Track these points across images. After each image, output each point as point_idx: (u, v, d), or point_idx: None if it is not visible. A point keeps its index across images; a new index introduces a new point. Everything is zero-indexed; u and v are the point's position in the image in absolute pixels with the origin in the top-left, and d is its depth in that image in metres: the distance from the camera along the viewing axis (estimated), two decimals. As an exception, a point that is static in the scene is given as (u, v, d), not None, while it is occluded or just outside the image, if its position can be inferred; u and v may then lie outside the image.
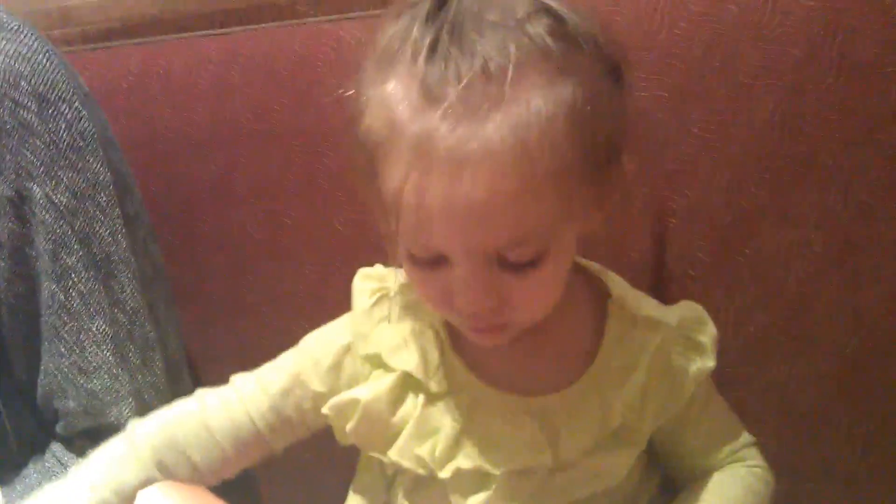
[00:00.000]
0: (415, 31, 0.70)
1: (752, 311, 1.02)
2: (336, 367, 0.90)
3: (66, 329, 1.00)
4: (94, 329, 1.01)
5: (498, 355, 0.85)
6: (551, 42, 0.69)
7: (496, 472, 0.83)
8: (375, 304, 0.90)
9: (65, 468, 0.99)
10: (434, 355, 0.86)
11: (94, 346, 1.01)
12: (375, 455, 0.87)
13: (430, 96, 0.68)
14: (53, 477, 0.98)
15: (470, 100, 0.66)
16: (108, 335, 1.02)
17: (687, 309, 0.89)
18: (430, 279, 0.77)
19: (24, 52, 1.00)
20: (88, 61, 1.26)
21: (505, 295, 0.74)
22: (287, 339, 1.04)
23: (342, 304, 1.00)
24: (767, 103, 0.97)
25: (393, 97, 0.71)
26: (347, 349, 0.90)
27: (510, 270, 0.73)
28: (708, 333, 0.87)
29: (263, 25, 1.19)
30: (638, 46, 1.00)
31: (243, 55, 1.19)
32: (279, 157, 1.18)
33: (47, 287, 1.00)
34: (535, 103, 0.67)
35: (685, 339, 0.86)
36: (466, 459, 0.83)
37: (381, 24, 0.75)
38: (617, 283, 0.89)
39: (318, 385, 0.90)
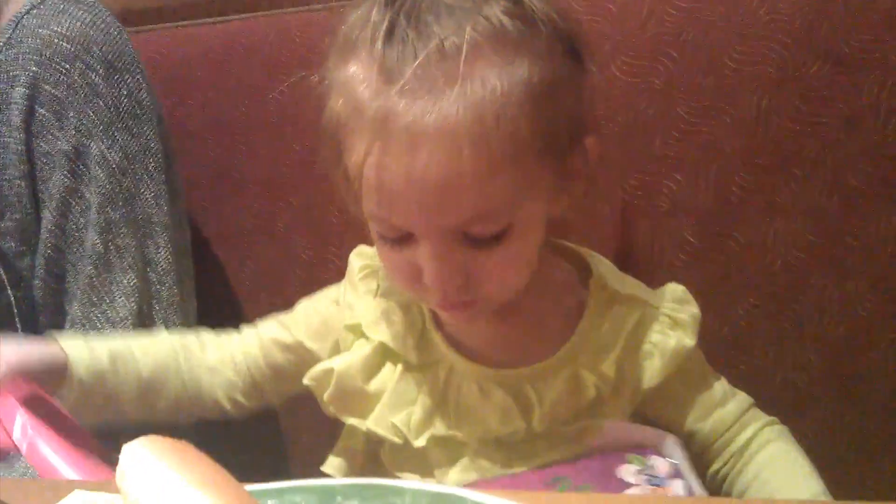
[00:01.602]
0: (373, 16, 0.72)
1: (739, 297, 1.03)
2: (323, 327, 0.94)
3: (99, 279, 1.05)
4: (125, 282, 1.06)
5: (476, 330, 0.87)
6: (508, 22, 0.71)
7: (469, 439, 0.84)
8: (363, 278, 0.93)
9: None
10: (415, 328, 0.89)
11: (124, 298, 1.06)
12: (354, 422, 0.89)
13: (388, 76, 0.70)
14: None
15: (426, 77, 0.68)
16: (138, 289, 1.07)
17: (670, 290, 0.90)
18: (398, 258, 0.78)
19: (98, 22, 1.07)
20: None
21: (471, 271, 0.76)
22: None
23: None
24: (753, 94, 0.99)
25: (354, 79, 0.73)
26: (335, 314, 0.94)
27: (475, 246, 0.75)
28: (688, 312, 0.88)
29: (261, 14, 1.20)
30: (627, 37, 1.02)
31: (241, 44, 1.20)
32: (276, 144, 1.19)
33: (90, 238, 1.05)
34: (491, 81, 0.69)
35: (666, 317, 0.87)
36: (441, 428, 0.85)
37: (345, 11, 0.77)
38: (601, 264, 0.91)
39: (307, 341, 0.94)
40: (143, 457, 0.45)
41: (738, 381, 1.02)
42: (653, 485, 0.79)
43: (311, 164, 1.18)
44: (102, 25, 1.07)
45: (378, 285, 0.91)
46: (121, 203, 1.06)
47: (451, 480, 0.85)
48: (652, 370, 0.86)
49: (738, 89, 0.99)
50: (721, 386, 0.91)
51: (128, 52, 1.09)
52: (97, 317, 1.05)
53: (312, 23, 1.16)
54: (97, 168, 1.04)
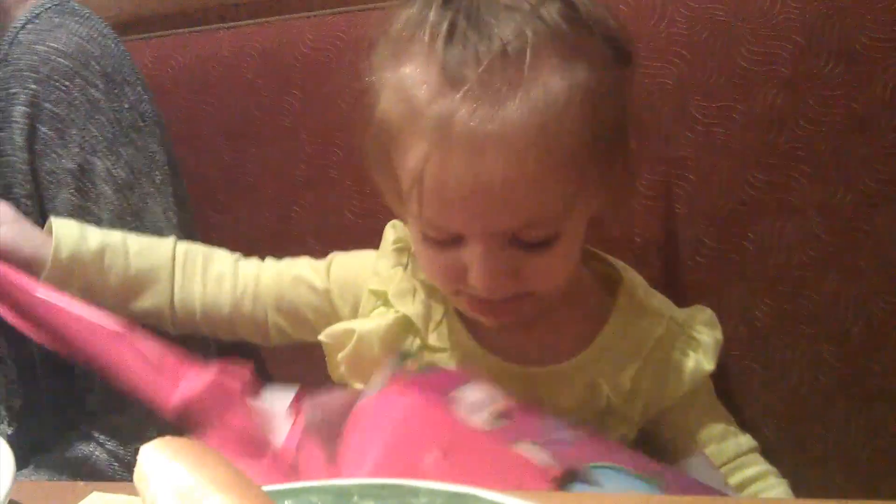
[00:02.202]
0: (431, 16, 0.71)
1: (755, 297, 1.03)
2: (351, 285, 0.94)
3: None
4: None
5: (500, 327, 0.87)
6: (565, 26, 0.71)
7: None
8: (395, 251, 0.93)
9: (99, 445, 1.01)
10: (438, 311, 0.89)
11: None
12: (360, 387, 0.88)
13: (450, 78, 0.69)
14: (86, 452, 1.01)
15: (489, 82, 0.67)
16: None
17: (697, 310, 0.90)
18: (441, 258, 0.78)
19: (95, 35, 1.06)
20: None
21: (517, 273, 0.76)
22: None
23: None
24: (767, 92, 0.98)
25: (411, 80, 0.72)
26: (364, 276, 0.94)
27: (524, 249, 0.74)
28: (712, 336, 0.88)
29: (273, 18, 1.21)
30: (641, 36, 1.01)
31: (253, 48, 1.20)
32: (289, 148, 1.20)
33: None
34: (553, 86, 0.69)
35: (689, 337, 0.87)
36: None
37: (392, 11, 0.76)
38: (632, 276, 0.90)
39: (331, 286, 0.95)
40: (160, 459, 0.45)
41: (754, 381, 1.03)
42: None
43: (323, 168, 1.18)
44: (99, 38, 1.06)
45: (408, 261, 0.91)
46: (130, 219, 1.05)
47: None
48: (668, 389, 0.86)
49: (751, 89, 0.99)
50: (723, 424, 0.89)
51: (126, 63, 1.08)
52: None
53: (324, 27, 1.17)
54: (104, 185, 1.03)
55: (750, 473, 0.87)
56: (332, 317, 0.92)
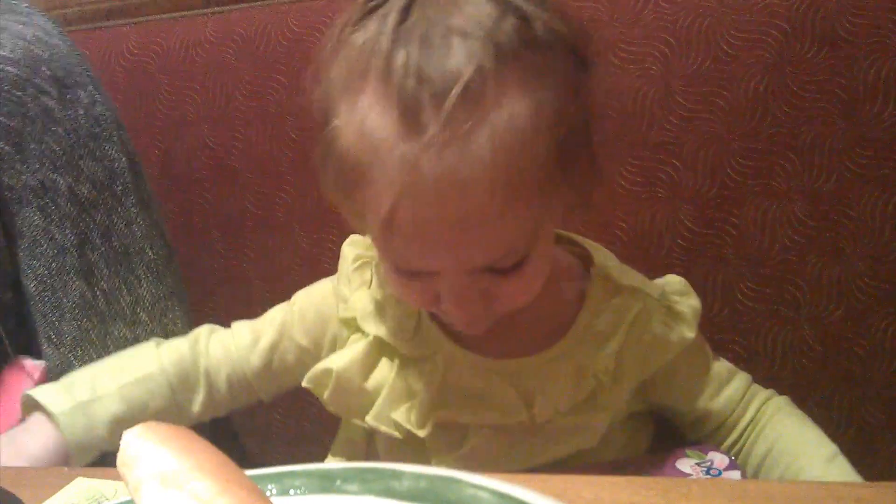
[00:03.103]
0: (384, 45, 0.68)
1: (737, 280, 1.04)
2: (319, 322, 0.93)
3: (95, 332, 1.00)
4: (116, 333, 1.01)
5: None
6: (522, 47, 0.68)
7: (471, 429, 0.84)
8: (357, 269, 0.91)
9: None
10: (410, 320, 0.87)
11: (115, 350, 0.98)
12: (356, 421, 0.88)
13: (410, 122, 0.66)
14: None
15: (453, 124, 0.65)
16: (129, 339, 1.02)
17: (671, 281, 0.90)
18: (414, 286, 0.77)
19: (41, 35, 0.99)
20: (86, 41, 1.27)
21: (491, 295, 0.75)
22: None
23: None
24: (751, 78, 0.99)
25: (370, 117, 0.69)
26: (330, 307, 0.93)
27: (496, 274, 0.74)
28: (688, 305, 0.88)
29: (258, 4, 1.21)
30: (625, 23, 1.02)
31: (238, 34, 1.20)
32: (274, 134, 1.20)
33: (77, 286, 0.99)
34: (517, 115, 0.67)
35: (666, 308, 0.87)
36: (443, 418, 0.84)
37: (342, 33, 0.73)
38: (603, 255, 0.91)
39: (302, 338, 0.93)
40: (144, 444, 0.45)
41: (737, 364, 1.02)
42: (710, 475, 0.79)
43: (308, 153, 1.18)
44: (46, 38, 1.00)
45: (372, 276, 0.90)
46: (98, 241, 1.00)
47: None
48: (651, 361, 0.86)
49: (735, 74, 1.00)
50: (724, 365, 0.91)
51: (75, 62, 1.02)
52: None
53: (308, 13, 1.17)
54: (68, 205, 0.98)
55: (759, 400, 0.90)
56: (310, 361, 0.92)
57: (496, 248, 0.71)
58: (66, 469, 0.73)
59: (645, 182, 1.04)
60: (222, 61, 1.21)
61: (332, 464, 0.51)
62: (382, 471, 0.48)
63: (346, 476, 0.48)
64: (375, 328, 0.87)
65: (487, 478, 0.46)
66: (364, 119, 0.69)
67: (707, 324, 0.94)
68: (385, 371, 0.87)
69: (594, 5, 1.03)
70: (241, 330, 0.97)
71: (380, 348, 0.88)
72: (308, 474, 0.50)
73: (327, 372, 0.88)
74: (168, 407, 0.92)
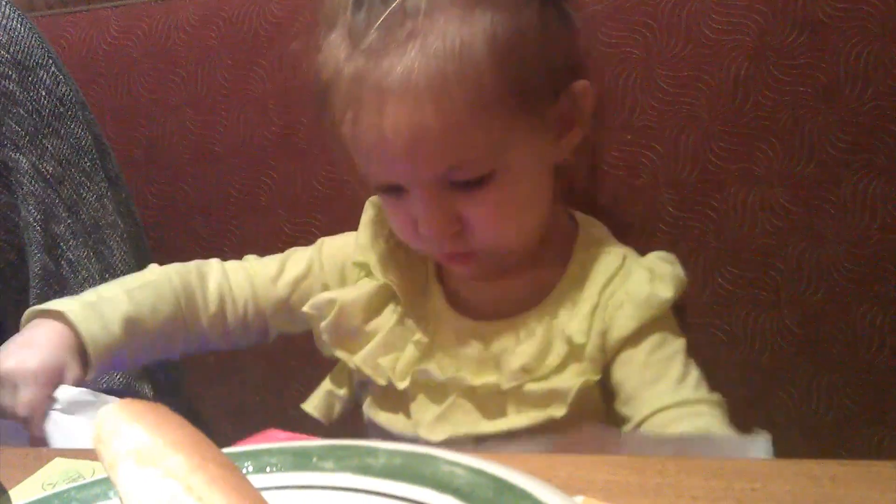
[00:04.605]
0: None
1: (718, 264, 1.04)
2: (343, 268, 0.96)
3: (56, 297, 0.98)
4: None
5: (473, 285, 0.90)
6: None
7: (449, 389, 0.86)
8: (377, 222, 0.95)
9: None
10: (419, 278, 0.92)
11: None
12: (343, 355, 0.91)
13: (355, 39, 0.74)
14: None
15: (388, 37, 0.72)
16: None
17: (658, 252, 0.90)
18: (397, 211, 0.82)
19: None
20: (68, 24, 1.27)
21: (464, 219, 0.78)
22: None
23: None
24: (731, 64, 0.99)
25: (332, 47, 0.77)
26: (351, 253, 0.96)
27: (463, 192, 0.77)
28: (671, 269, 0.87)
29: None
30: (606, 7, 1.02)
31: (221, 18, 1.20)
32: (257, 118, 1.19)
33: (39, 258, 1.00)
34: (451, 35, 0.72)
35: (645, 269, 0.87)
36: (425, 373, 0.87)
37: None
38: (591, 224, 0.92)
39: (328, 277, 0.96)
40: (119, 421, 0.45)
41: (718, 347, 1.04)
42: None
43: (292, 137, 1.18)
44: (3, 22, 1.00)
45: (391, 232, 0.92)
46: (64, 215, 1.01)
47: (425, 430, 0.87)
48: (623, 318, 0.84)
49: (716, 59, 1.00)
50: (680, 371, 0.84)
51: (36, 44, 1.03)
52: None
53: (291, -3, 1.16)
54: (32, 183, 0.99)
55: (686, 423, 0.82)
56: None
57: (446, 156, 0.75)
58: (44, 450, 0.73)
59: (626, 166, 1.05)
60: (205, 45, 1.21)
61: (308, 441, 0.51)
62: (358, 448, 0.49)
63: (322, 453, 0.49)
64: (387, 276, 0.91)
65: (464, 455, 0.46)
66: (328, 48, 0.78)
67: (688, 308, 0.94)
68: (386, 318, 0.91)
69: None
70: (265, 261, 0.99)
71: (387, 296, 0.92)
72: (284, 451, 0.50)
73: (331, 302, 0.91)
74: (176, 314, 0.93)
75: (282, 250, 1.20)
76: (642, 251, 0.97)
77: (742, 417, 0.98)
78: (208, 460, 0.44)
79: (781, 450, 1.04)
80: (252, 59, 1.18)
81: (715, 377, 0.99)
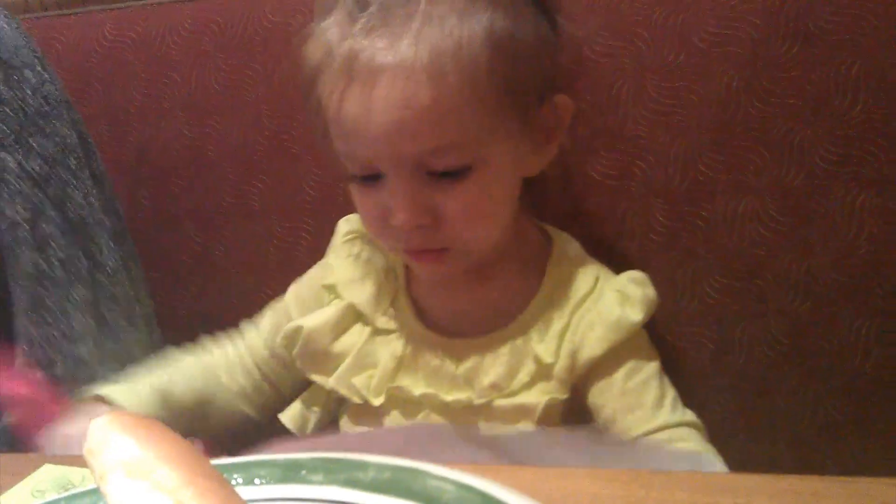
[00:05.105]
0: None
1: (707, 274, 1.05)
2: (313, 298, 0.97)
3: (50, 298, 1.01)
4: (75, 296, 1.02)
5: (442, 300, 0.91)
6: None
7: (423, 405, 0.88)
8: (346, 241, 0.96)
9: None
10: (388, 293, 0.92)
11: (79, 313, 1.02)
12: (318, 378, 0.92)
13: (353, 18, 0.75)
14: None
15: (387, 16, 0.73)
16: (90, 301, 1.03)
17: (630, 273, 0.91)
18: (370, 201, 0.82)
19: None
20: (62, 27, 1.27)
21: (437, 212, 0.79)
22: (254, 302, 1.06)
23: (311, 266, 1.02)
24: (724, 73, 1.00)
25: (328, 27, 0.78)
26: (320, 279, 0.97)
27: (439, 183, 0.78)
28: (643, 292, 0.88)
29: (234, -9, 1.20)
30: (599, 17, 1.02)
31: (216, 23, 1.20)
32: (250, 123, 1.20)
33: (30, 257, 1.00)
34: (450, 22, 0.73)
35: (617, 291, 0.88)
36: (399, 390, 0.88)
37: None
38: (568, 245, 0.92)
39: (298, 315, 0.97)
40: (110, 433, 0.46)
41: (705, 358, 1.05)
42: None
43: (284, 142, 1.18)
44: None
45: (360, 250, 0.94)
46: (52, 213, 1.01)
47: None
48: (593, 339, 0.86)
49: (707, 69, 1.00)
50: (655, 393, 0.86)
51: (21, 43, 1.03)
52: (55, 337, 1.01)
53: (286, 2, 1.16)
54: (19, 182, 0.99)
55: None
56: None
57: (424, 137, 0.76)
58: (33, 455, 0.73)
59: (617, 175, 1.05)
60: (199, 50, 1.21)
61: (297, 454, 0.52)
62: (347, 461, 0.49)
63: (312, 466, 0.49)
64: (352, 296, 0.92)
65: (452, 470, 0.46)
66: (324, 29, 0.79)
67: (677, 317, 0.94)
68: (354, 337, 0.92)
69: (570, -1, 1.03)
70: (247, 327, 1.02)
71: (353, 315, 0.92)
72: (273, 464, 0.50)
73: (298, 329, 0.93)
74: (207, 397, 0.99)
75: (273, 255, 1.21)
76: (632, 260, 0.97)
77: (728, 427, 0.99)
78: (198, 474, 0.44)
79: (767, 458, 1.06)
80: (245, 64, 1.19)
81: (702, 386, 1.01)
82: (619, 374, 0.86)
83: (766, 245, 1.02)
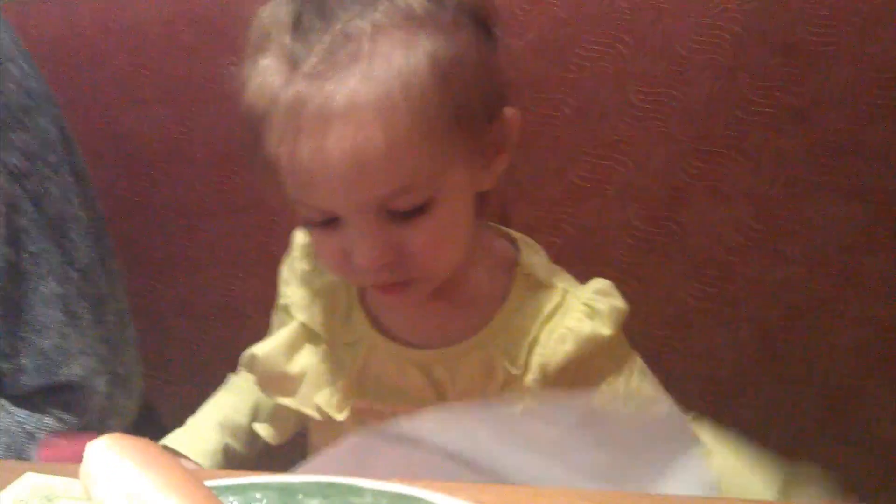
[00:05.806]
0: (282, 11, 0.74)
1: (682, 279, 1.06)
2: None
3: (17, 291, 0.99)
4: (43, 289, 1.01)
5: (400, 311, 0.89)
6: (413, 1, 0.72)
7: (387, 414, 0.87)
8: (300, 257, 0.95)
9: (20, 424, 1.00)
10: (341, 308, 0.91)
11: (44, 307, 1.01)
12: (283, 401, 0.91)
13: (295, 63, 0.71)
14: (7, 431, 1.00)
15: (331, 60, 0.70)
16: (59, 294, 1.02)
17: (596, 283, 0.91)
18: (328, 243, 0.79)
19: None
20: (39, 15, 1.24)
21: (401, 248, 0.77)
22: (229, 296, 1.06)
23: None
24: (704, 81, 1.01)
25: (266, 71, 0.74)
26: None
27: (401, 221, 0.76)
28: (609, 303, 0.87)
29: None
30: (582, 23, 1.02)
31: (196, 14, 1.18)
32: (229, 116, 1.18)
33: (1, 251, 0.98)
34: (395, 57, 0.70)
35: (585, 306, 0.88)
36: (362, 404, 0.88)
37: (255, 13, 0.78)
38: (532, 253, 0.92)
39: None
40: (110, 457, 0.46)
41: (679, 361, 1.06)
42: None
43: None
44: None
45: (312, 267, 0.93)
46: (29, 208, 0.99)
47: None
48: (563, 354, 0.85)
49: (689, 77, 1.01)
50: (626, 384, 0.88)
51: (5, 37, 1.01)
52: (19, 328, 1.00)
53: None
54: None
55: None
56: None
57: (383, 182, 0.73)
58: (13, 462, 0.72)
59: (596, 180, 1.06)
60: (178, 41, 1.19)
61: (294, 476, 0.52)
62: (343, 486, 0.49)
63: (308, 490, 0.49)
64: (303, 315, 0.91)
65: (448, 497, 0.47)
66: (262, 72, 0.74)
67: (652, 321, 0.95)
68: (309, 356, 0.90)
69: (552, 4, 1.03)
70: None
71: (305, 334, 0.91)
72: (269, 487, 0.50)
73: (252, 357, 0.91)
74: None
75: (253, 250, 1.21)
76: (609, 263, 0.98)
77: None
78: (197, 499, 0.44)
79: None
80: (225, 55, 1.17)
81: (674, 390, 1.01)
82: (600, 383, 0.87)
83: (741, 252, 1.04)
